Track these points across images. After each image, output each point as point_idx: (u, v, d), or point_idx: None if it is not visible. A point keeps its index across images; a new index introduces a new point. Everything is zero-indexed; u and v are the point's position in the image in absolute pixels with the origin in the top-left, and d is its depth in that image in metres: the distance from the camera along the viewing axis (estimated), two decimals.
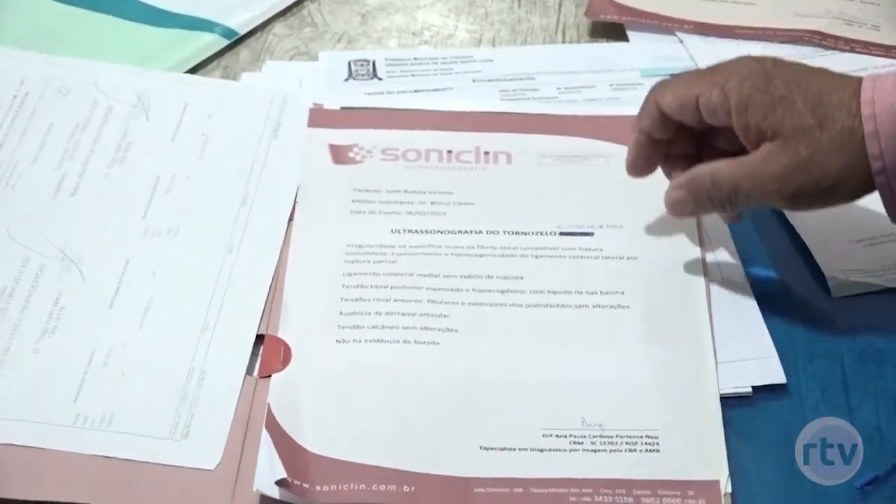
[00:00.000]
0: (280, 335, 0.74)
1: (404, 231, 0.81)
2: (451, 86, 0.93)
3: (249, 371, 0.73)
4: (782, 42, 0.94)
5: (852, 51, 0.93)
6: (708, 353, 0.73)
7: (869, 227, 0.79)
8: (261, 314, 0.75)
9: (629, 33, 0.97)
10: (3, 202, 0.81)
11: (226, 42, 0.96)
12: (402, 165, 0.86)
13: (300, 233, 0.81)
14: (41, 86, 0.89)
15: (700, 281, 0.77)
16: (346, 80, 0.94)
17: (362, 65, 0.95)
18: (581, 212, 0.82)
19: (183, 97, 0.89)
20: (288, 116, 0.88)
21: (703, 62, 0.89)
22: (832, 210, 0.73)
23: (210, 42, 0.96)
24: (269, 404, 0.70)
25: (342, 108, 0.90)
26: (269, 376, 0.72)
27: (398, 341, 0.74)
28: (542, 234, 0.81)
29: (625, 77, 0.93)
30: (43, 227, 0.79)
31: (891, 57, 0.92)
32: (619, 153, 0.82)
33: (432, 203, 0.83)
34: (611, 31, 0.98)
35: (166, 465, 0.67)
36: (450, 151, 0.87)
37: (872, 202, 0.74)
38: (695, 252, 0.79)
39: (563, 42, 0.98)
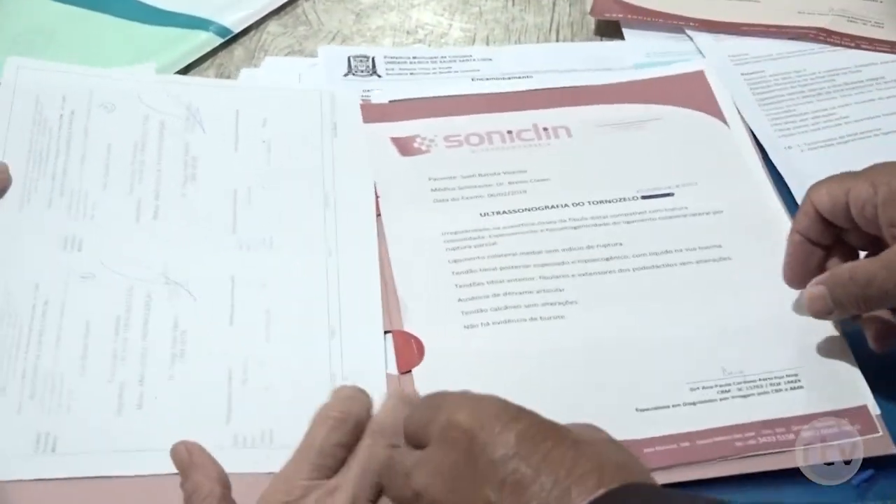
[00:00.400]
0: (406, 329, 0.73)
1: (493, 213, 0.81)
2: (451, 85, 0.93)
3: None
4: (789, 38, 0.97)
5: (857, 47, 0.96)
6: None
7: None
8: (381, 311, 0.74)
9: (624, 31, 0.98)
10: (88, 234, 0.77)
11: (220, 40, 0.94)
12: (467, 150, 0.86)
13: (392, 227, 0.80)
14: (84, 102, 0.85)
15: (784, 221, 0.80)
16: (346, 75, 0.93)
17: (362, 61, 0.94)
18: (653, 174, 0.84)
19: (232, 105, 0.86)
20: (341, 114, 0.87)
21: (712, 57, 0.94)
22: None
23: (205, 40, 0.94)
24: None
25: (389, 101, 0.89)
26: (410, 371, 0.71)
27: (525, 320, 0.74)
28: (625, 200, 0.82)
29: (621, 74, 0.94)
30: (135, 253, 0.76)
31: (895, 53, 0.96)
32: (672, 114, 0.85)
33: (510, 183, 0.83)
34: (605, 29, 0.99)
35: None
36: (510, 132, 0.87)
37: None
38: (771, 197, 0.83)
39: (558, 41, 0.98)
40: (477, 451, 0.50)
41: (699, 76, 0.92)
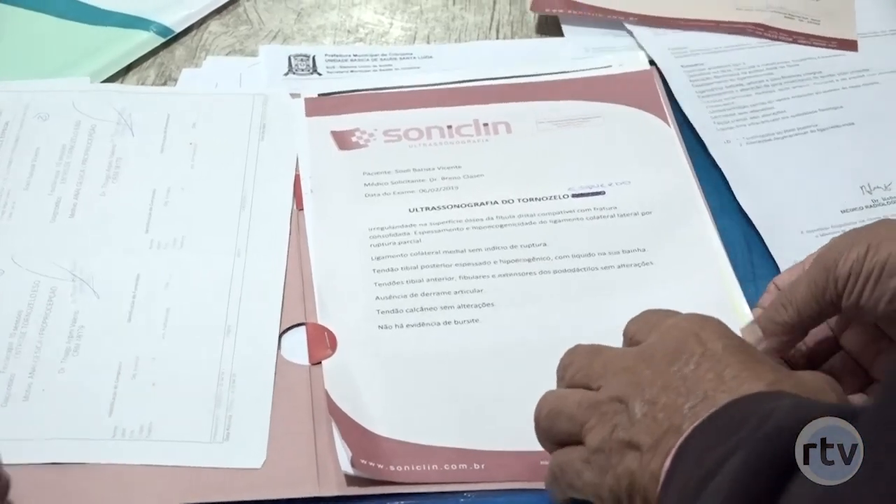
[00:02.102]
0: (321, 323, 0.73)
1: (422, 209, 0.81)
2: (392, 82, 0.92)
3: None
4: (727, 33, 0.97)
5: (795, 42, 0.96)
6: (736, 298, 0.75)
7: (820, 218, 0.81)
8: (280, 312, 0.74)
9: (564, 28, 0.98)
10: (2, 231, 0.78)
11: (161, 40, 0.94)
12: (406, 145, 0.85)
13: (318, 221, 0.79)
14: (20, 113, 0.86)
15: (710, 226, 0.79)
16: (286, 74, 0.93)
17: (302, 59, 0.94)
18: (588, 172, 0.83)
19: (164, 109, 0.87)
20: (272, 116, 0.87)
21: (653, 51, 0.94)
22: (784, 200, 0.77)
23: (145, 40, 0.94)
24: (326, 391, 0.69)
25: (318, 94, 0.89)
26: (320, 363, 0.71)
27: (439, 323, 0.74)
28: (555, 198, 0.81)
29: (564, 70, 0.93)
30: (47, 250, 0.77)
31: (832, 48, 0.96)
32: (613, 111, 0.84)
33: (443, 179, 0.83)
34: (545, 27, 0.99)
35: (212, 467, 0.66)
36: (450, 126, 0.87)
37: (822, 193, 0.79)
38: (698, 201, 0.82)
39: (498, 39, 0.98)
40: (688, 344, 0.58)
41: (646, 75, 0.92)
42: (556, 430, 0.61)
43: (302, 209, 0.80)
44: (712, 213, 0.81)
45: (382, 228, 0.79)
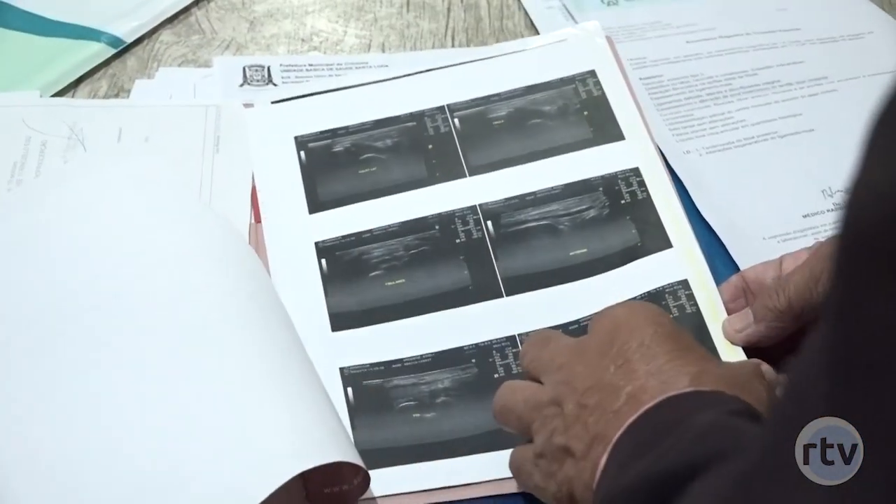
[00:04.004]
0: None
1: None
2: (349, 82, 0.89)
3: None
4: None
5: None
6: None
7: (782, 224, 0.81)
8: None
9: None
10: None
11: (113, 51, 0.93)
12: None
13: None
14: None
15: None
16: (242, 85, 0.91)
17: (257, 70, 0.93)
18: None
19: (116, 123, 0.85)
20: (226, 128, 0.85)
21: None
22: (746, 207, 0.78)
23: (97, 51, 0.92)
24: None
25: (271, 102, 0.88)
26: None
27: None
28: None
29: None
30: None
31: None
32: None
33: None
34: (500, 35, 0.98)
35: None
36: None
37: (784, 199, 0.79)
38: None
39: (454, 46, 0.97)
40: (619, 335, 0.60)
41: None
42: (509, 426, 0.64)
43: (260, 222, 0.79)
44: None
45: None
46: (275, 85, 0.92)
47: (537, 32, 0.97)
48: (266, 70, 0.93)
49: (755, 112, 0.89)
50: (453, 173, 0.81)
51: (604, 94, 0.84)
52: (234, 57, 0.94)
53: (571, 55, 0.87)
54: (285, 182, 0.81)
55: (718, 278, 0.76)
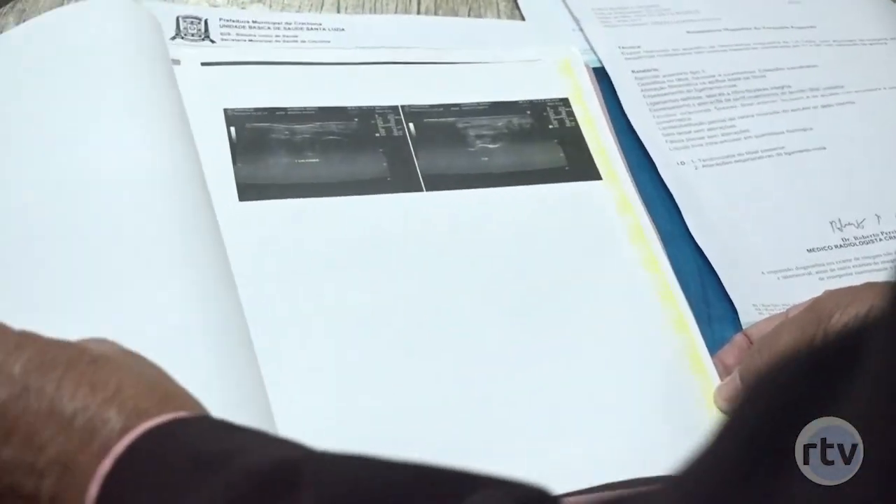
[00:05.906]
0: None
1: None
2: (297, 57, 0.80)
3: None
4: None
5: None
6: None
7: (784, 258, 0.73)
8: None
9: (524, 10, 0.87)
10: None
11: None
12: None
13: None
14: None
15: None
16: (173, 38, 0.81)
17: (192, 22, 0.82)
18: None
19: None
20: None
21: (602, 53, 0.83)
22: (744, 234, 0.72)
23: None
24: None
25: (201, 63, 0.77)
26: None
27: None
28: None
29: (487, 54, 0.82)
30: None
31: None
32: None
33: None
34: (473, 2, 0.87)
35: None
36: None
37: (787, 228, 0.73)
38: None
39: (419, 13, 0.86)
40: None
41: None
42: None
43: None
44: (662, 240, 0.72)
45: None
46: (212, 41, 0.81)
47: (515, 4, 0.87)
48: (203, 23, 0.82)
49: (760, 121, 0.80)
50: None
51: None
52: (167, 3, 0.83)
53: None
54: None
55: (710, 310, 0.69)
